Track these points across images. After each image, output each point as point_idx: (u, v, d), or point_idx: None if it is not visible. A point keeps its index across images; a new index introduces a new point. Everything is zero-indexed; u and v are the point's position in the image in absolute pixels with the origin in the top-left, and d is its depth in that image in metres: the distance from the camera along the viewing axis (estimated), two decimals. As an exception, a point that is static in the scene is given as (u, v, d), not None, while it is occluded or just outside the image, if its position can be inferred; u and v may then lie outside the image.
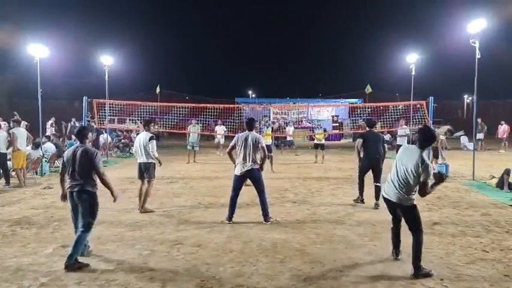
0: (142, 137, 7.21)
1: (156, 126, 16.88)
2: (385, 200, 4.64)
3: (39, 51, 11.44)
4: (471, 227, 6.24)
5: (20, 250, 5.11)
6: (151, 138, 7.13)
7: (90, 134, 5.20)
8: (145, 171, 7.16)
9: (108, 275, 4.33)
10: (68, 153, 4.83)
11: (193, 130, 14.97)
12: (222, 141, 17.13)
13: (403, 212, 4.50)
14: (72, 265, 4.47)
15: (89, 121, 16.69)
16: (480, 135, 19.47)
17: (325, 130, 16.27)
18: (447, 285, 4.13)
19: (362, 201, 7.75)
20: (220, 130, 17.50)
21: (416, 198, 4.42)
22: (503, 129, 20.36)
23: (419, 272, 4.28)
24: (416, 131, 18.76)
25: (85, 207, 4.67)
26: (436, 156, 12.32)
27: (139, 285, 4.11)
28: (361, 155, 7.76)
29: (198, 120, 16.15)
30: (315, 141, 15.32)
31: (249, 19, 67.75)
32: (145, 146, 7.10)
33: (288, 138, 19.25)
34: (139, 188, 7.22)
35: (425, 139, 4.49)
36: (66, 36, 28.20)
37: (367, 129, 7.96)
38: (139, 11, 53.61)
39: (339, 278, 4.31)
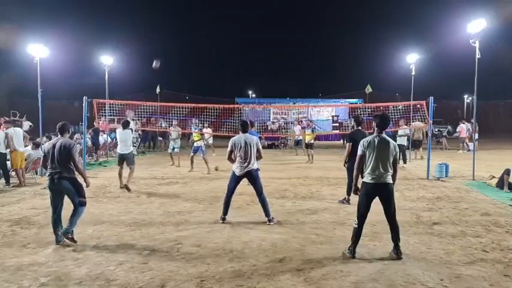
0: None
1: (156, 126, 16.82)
2: (378, 186, 4.83)
3: (39, 51, 11.46)
4: (471, 227, 6.24)
5: (20, 250, 5.12)
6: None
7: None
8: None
9: (108, 275, 4.34)
10: (47, 145, 5.50)
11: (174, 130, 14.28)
12: (211, 141, 17.18)
13: (392, 191, 4.87)
14: (67, 234, 5.23)
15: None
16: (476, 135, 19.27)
17: (312, 131, 16.58)
18: (447, 285, 4.13)
19: (348, 201, 7.72)
20: (207, 131, 17.47)
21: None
22: (462, 127, 19.35)
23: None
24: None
25: (70, 191, 5.33)
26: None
27: (139, 285, 4.11)
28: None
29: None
30: (306, 141, 15.97)
31: (249, 19, 67.70)
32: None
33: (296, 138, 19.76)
34: None
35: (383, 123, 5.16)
36: (66, 36, 28.10)
37: (355, 128, 7.82)
38: (139, 11, 53.56)
39: (339, 278, 4.31)
